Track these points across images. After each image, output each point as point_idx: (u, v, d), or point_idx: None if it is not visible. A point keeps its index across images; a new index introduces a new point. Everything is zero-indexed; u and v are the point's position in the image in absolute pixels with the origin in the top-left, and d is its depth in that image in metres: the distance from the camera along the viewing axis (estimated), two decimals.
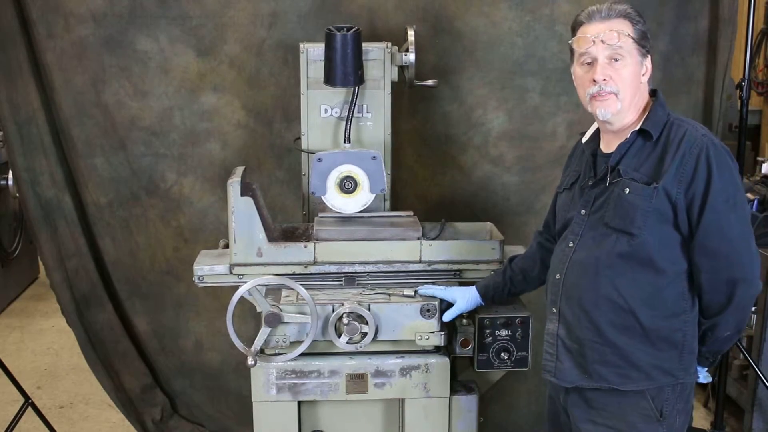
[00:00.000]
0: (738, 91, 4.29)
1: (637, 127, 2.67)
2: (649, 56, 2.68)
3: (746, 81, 4.25)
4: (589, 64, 2.68)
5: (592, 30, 2.66)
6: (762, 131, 8.41)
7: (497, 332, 3.25)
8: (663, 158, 2.60)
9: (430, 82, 3.73)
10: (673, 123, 2.66)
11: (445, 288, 3.24)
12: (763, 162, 5.55)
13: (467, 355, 3.29)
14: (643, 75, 2.69)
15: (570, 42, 2.74)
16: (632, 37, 2.63)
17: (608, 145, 2.76)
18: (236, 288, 3.14)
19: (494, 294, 3.21)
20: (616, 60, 2.64)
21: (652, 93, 2.76)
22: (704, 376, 2.85)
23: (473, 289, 3.22)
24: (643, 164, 2.64)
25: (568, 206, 2.87)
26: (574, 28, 2.74)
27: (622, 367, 2.69)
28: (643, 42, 2.66)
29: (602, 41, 2.63)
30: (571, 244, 2.78)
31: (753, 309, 4.44)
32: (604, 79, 2.64)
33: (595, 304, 2.68)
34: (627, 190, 2.62)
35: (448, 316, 3.21)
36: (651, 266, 2.63)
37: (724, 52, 4.20)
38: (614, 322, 2.67)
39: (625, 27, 2.64)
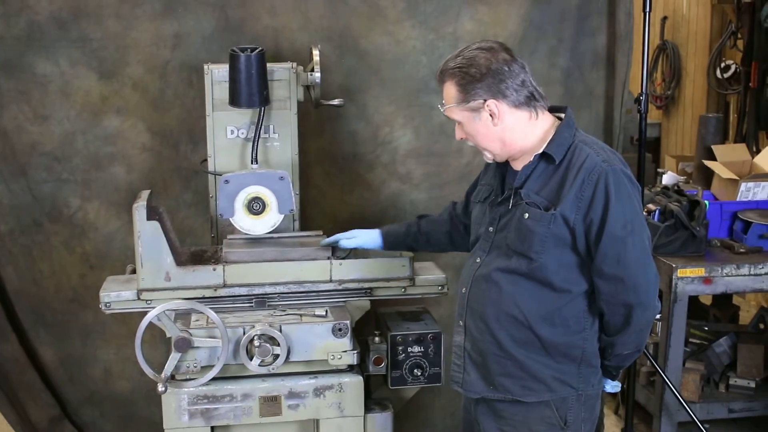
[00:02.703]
0: (637, 104, 4.39)
1: (540, 150, 2.70)
2: (490, 102, 2.66)
3: (644, 95, 4.34)
4: None
5: None
6: (662, 143, 8.64)
7: (410, 349, 3.28)
8: (563, 183, 2.64)
9: (336, 102, 3.74)
10: (576, 146, 2.68)
11: (346, 233, 3.33)
12: (663, 173, 5.69)
13: (380, 372, 3.31)
14: (495, 119, 2.68)
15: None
16: (454, 103, 2.69)
17: (516, 163, 2.80)
18: (145, 314, 3.10)
19: (394, 241, 3.29)
20: (459, 122, 2.75)
21: (561, 109, 2.78)
22: (611, 386, 2.91)
23: (377, 231, 3.30)
24: (545, 187, 2.68)
25: (480, 220, 2.91)
26: None
27: (524, 379, 2.74)
28: (470, 98, 2.66)
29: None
30: (478, 260, 2.83)
31: (657, 317, 4.56)
32: (461, 139, 2.79)
33: (496, 319, 2.73)
34: (526, 215, 2.66)
35: (347, 244, 3.30)
36: (550, 287, 2.68)
37: (622, 67, 4.30)
38: (515, 336, 2.72)
39: (450, 91, 2.71)
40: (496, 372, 2.77)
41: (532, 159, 2.71)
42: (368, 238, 3.29)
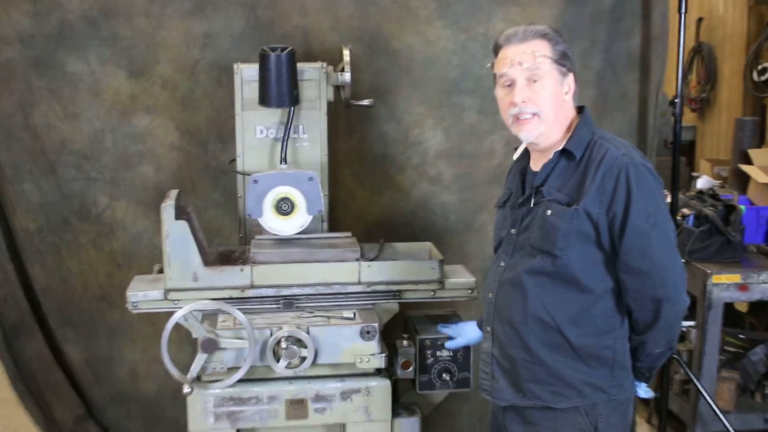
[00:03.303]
0: (671, 107, 4.34)
1: (560, 147, 2.70)
2: (571, 74, 2.71)
3: (679, 97, 4.30)
4: (509, 86, 2.70)
5: (510, 52, 2.69)
6: (696, 147, 8.56)
7: (438, 353, 3.25)
8: (584, 178, 2.64)
9: (366, 102, 3.72)
10: (596, 142, 2.68)
11: (455, 325, 3.28)
12: (697, 177, 5.63)
13: (409, 377, 3.28)
14: (566, 93, 2.71)
15: (488, 65, 2.78)
16: (550, 58, 2.66)
17: (536, 164, 2.80)
18: (171, 314, 3.08)
19: None
20: (535, 81, 2.66)
21: (579, 110, 2.78)
22: (644, 391, 2.87)
23: (474, 323, 3.21)
24: (566, 184, 2.68)
25: (501, 225, 2.90)
26: (495, 50, 2.77)
27: (554, 384, 2.71)
28: (563, 61, 2.68)
29: (519, 63, 2.65)
30: (502, 264, 2.81)
31: (692, 324, 4.52)
32: (524, 101, 2.66)
33: (524, 323, 2.71)
34: (549, 212, 2.66)
35: (450, 344, 3.23)
36: (576, 285, 2.66)
37: (657, 69, 4.27)
38: (543, 340, 2.70)
39: (542, 47, 2.66)
40: (525, 378, 2.74)
41: (552, 156, 2.71)
42: (472, 335, 3.20)
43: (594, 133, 2.72)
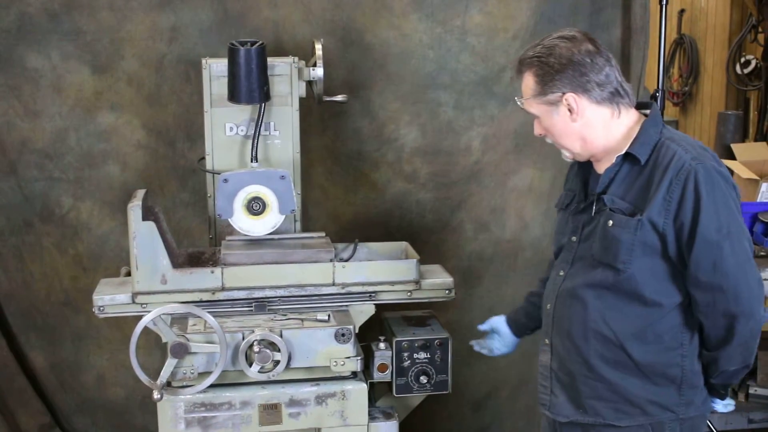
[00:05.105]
0: (652, 101, 4.30)
1: (624, 151, 2.55)
2: (566, 95, 2.52)
3: (660, 91, 4.28)
4: None
5: None
6: None
7: (415, 355, 3.24)
8: (650, 184, 2.48)
9: (339, 98, 3.67)
10: (663, 144, 2.52)
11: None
12: None
13: (385, 380, 3.27)
14: (572, 116, 2.54)
15: None
16: (533, 95, 2.56)
17: (600, 166, 2.66)
18: (140, 318, 3.03)
19: (524, 329, 3.17)
20: (537, 116, 2.63)
21: (644, 105, 2.64)
22: (723, 406, 2.74)
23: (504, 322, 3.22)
24: (630, 191, 2.54)
25: (562, 229, 2.78)
26: None
27: (617, 402, 2.60)
28: (547, 89, 2.53)
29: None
30: (561, 273, 2.70)
31: None
32: (540, 134, 2.65)
33: (584, 337, 2.60)
34: (610, 222, 2.52)
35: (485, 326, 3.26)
36: (640, 300, 2.52)
37: (638, 62, 4.24)
38: (605, 356, 2.58)
39: (528, 82, 2.58)
40: (585, 394, 2.63)
41: (615, 161, 2.56)
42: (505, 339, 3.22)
43: (662, 133, 2.55)
